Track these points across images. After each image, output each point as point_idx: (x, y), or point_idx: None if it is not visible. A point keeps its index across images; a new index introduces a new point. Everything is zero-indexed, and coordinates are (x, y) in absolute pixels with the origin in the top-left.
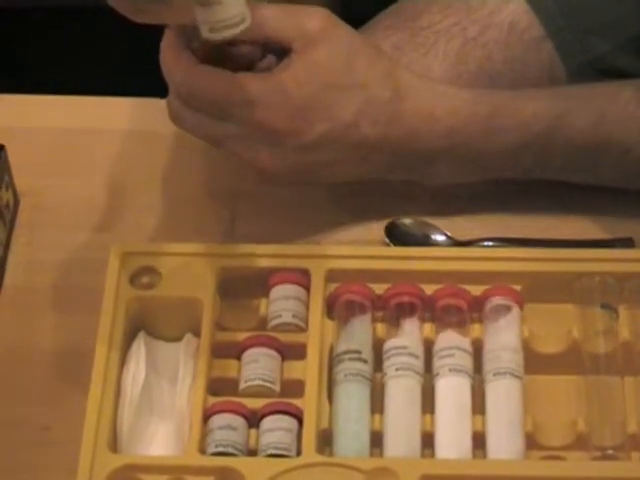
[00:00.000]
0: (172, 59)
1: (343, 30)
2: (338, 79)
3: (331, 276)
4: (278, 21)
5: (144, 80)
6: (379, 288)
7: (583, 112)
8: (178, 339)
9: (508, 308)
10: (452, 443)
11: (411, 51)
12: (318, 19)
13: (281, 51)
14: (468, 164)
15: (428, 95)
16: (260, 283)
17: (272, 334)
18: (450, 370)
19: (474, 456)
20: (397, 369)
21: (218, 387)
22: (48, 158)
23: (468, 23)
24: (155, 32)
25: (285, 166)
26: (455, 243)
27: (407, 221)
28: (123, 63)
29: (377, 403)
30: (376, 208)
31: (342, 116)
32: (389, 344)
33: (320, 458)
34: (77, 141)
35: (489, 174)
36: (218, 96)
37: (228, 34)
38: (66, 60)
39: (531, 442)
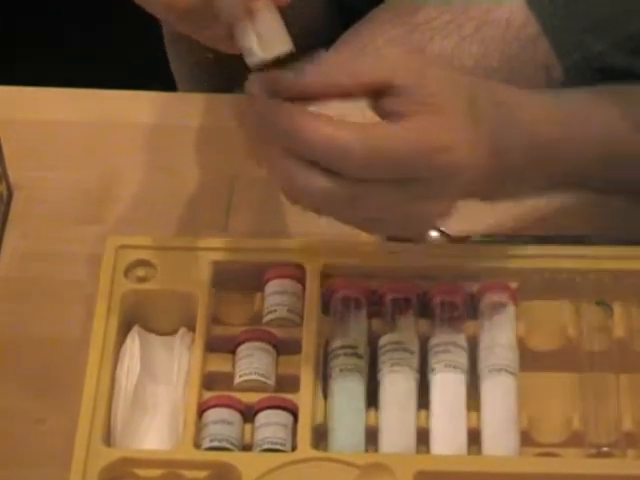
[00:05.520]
0: (324, 133)
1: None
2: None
3: (327, 271)
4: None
5: (137, 72)
6: (375, 284)
7: None
8: (173, 333)
9: (503, 305)
10: (447, 439)
11: (407, 47)
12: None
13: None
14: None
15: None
16: (255, 277)
17: (267, 328)
18: (445, 366)
19: (469, 452)
20: (392, 364)
21: (213, 381)
22: (42, 150)
23: (464, 20)
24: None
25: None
26: (450, 239)
27: None
28: (118, 55)
29: (372, 399)
30: None
31: None
32: (384, 339)
33: (315, 453)
34: (71, 133)
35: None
36: (411, 151)
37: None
38: (61, 52)
39: (526, 439)
